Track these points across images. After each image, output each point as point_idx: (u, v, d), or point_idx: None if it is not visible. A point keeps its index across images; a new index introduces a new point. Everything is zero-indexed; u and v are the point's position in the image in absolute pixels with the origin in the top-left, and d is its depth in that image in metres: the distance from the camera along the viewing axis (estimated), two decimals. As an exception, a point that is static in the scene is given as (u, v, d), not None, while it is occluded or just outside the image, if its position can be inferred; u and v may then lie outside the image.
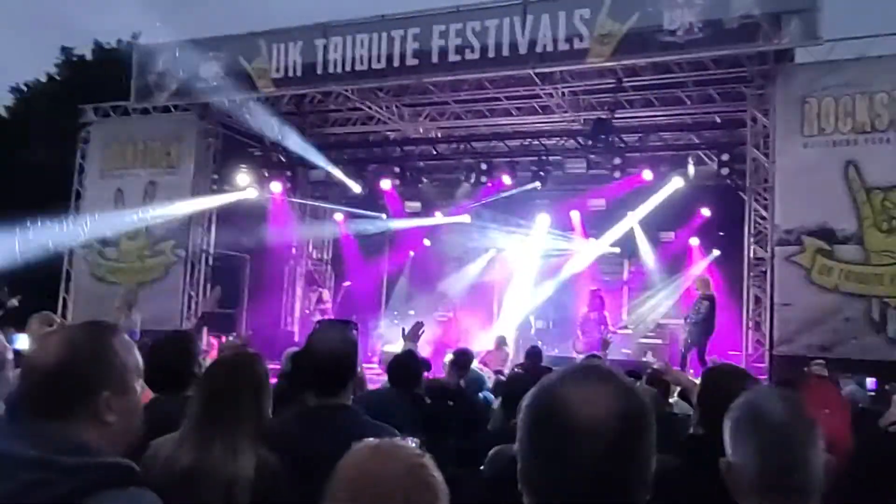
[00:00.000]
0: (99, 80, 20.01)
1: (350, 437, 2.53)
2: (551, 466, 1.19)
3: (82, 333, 1.66)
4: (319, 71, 12.72)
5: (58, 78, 27.61)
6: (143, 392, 1.82)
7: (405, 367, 4.69)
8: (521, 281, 15.43)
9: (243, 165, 14.92)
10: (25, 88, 28.35)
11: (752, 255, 11.27)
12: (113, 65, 20.96)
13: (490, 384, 6.88)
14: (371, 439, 1.67)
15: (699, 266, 14.44)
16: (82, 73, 25.75)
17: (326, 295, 16.25)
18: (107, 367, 1.62)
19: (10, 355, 2.81)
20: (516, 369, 8.70)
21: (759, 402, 1.57)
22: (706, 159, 13.08)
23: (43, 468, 1.44)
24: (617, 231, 14.40)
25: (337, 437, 2.51)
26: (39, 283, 16.19)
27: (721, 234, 13.80)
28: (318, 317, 16.03)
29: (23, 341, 6.09)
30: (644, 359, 13.19)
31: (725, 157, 11.98)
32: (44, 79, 28.12)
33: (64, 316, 14.40)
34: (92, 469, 1.47)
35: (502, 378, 8.58)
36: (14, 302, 10.71)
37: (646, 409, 1.22)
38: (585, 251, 15.18)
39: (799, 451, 1.51)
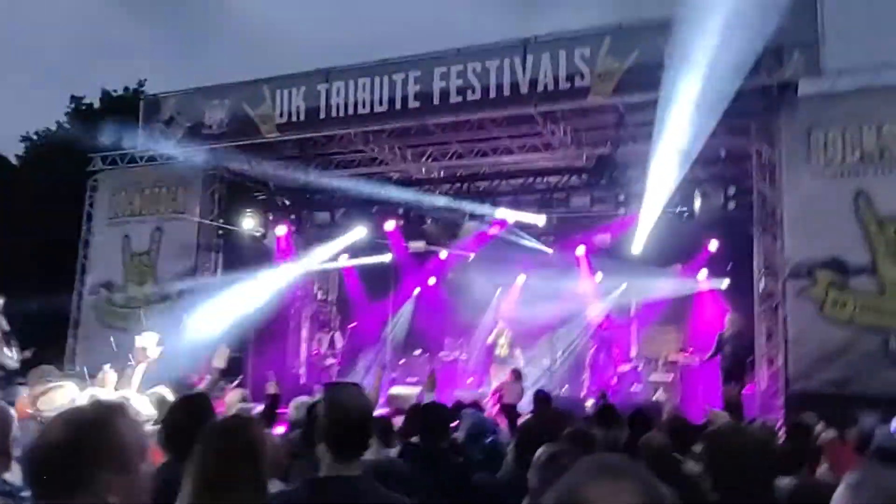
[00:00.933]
0: (106, 129, 20.20)
1: None
2: None
3: (86, 414, 1.68)
4: (322, 115, 12.79)
5: (67, 126, 27.94)
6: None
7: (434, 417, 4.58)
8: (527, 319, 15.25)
9: (248, 210, 14.96)
10: (35, 137, 28.72)
11: (762, 288, 11.10)
12: (119, 112, 21.23)
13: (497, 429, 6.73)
14: None
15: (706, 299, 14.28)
16: (91, 122, 26.03)
17: (339, 337, 16.16)
18: (108, 448, 1.62)
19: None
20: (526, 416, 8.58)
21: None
22: (711, 192, 12.97)
23: None
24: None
25: None
26: (48, 329, 16.23)
27: (729, 267, 13.63)
28: (330, 360, 15.92)
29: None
30: (654, 397, 13.00)
31: (731, 190, 11.87)
32: (53, 127, 28.50)
33: (73, 361, 14.37)
34: None
35: (514, 413, 8.47)
36: (27, 354, 10.68)
37: (670, 500, 1.28)
38: (593, 291, 15.05)
39: None
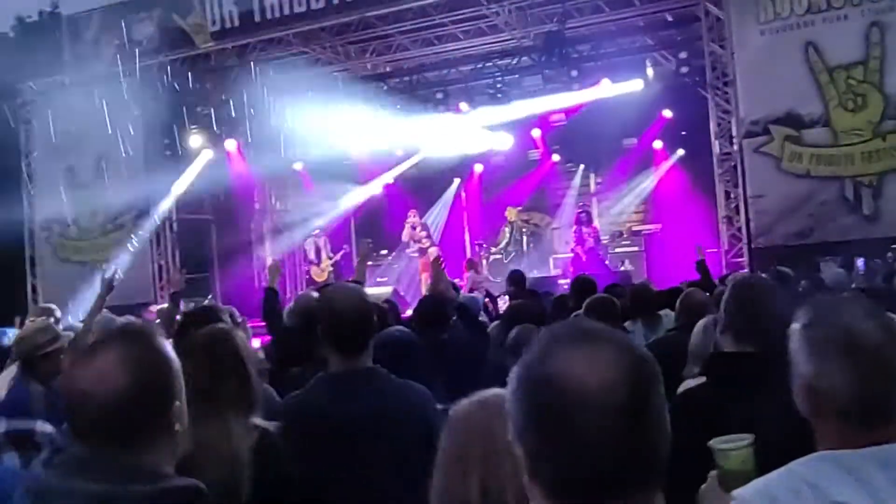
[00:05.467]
0: (27, 57, 19.18)
1: (382, 401, 2.52)
2: (559, 447, 1.05)
3: (138, 348, 1.54)
4: (258, 18, 12.31)
5: (-15, 59, 26.50)
6: None
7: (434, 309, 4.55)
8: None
9: (194, 127, 14.47)
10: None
11: (719, 150, 11.23)
12: (38, 39, 20.11)
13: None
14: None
15: (664, 167, 14.41)
16: (10, 51, 24.67)
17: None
18: (175, 377, 1.56)
19: None
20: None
21: (850, 322, 1.43)
22: (663, 60, 12.93)
23: (111, 501, 1.38)
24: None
25: (368, 403, 2.51)
26: (6, 271, 15.85)
27: (684, 133, 13.71)
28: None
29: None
30: (622, 268, 13.27)
31: (683, 54, 11.80)
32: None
33: (35, 301, 14.11)
34: (163, 495, 1.41)
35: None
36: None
37: (654, 366, 1.09)
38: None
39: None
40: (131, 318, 5.28)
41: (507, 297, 8.31)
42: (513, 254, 14.60)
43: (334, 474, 2.43)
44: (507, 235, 14.56)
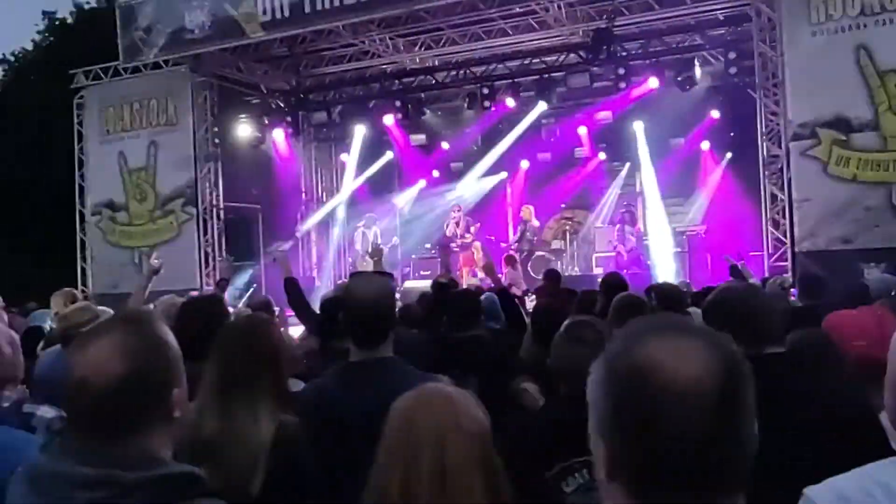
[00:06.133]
0: (85, 43, 19.67)
1: (396, 391, 2.53)
2: (646, 442, 1.01)
3: (137, 334, 1.51)
4: (307, 9, 12.36)
5: (43, 45, 27.18)
6: None
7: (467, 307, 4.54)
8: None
9: (243, 115, 14.73)
10: (13, 58, 27.98)
11: (766, 153, 11.09)
12: (96, 25, 20.59)
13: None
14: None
15: (715, 175, 14.25)
16: (67, 37, 25.30)
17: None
18: (175, 364, 1.53)
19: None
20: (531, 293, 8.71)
21: None
22: (712, 59, 12.80)
23: (106, 486, 1.37)
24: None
25: (382, 393, 2.41)
26: (57, 254, 16.34)
27: (732, 134, 13.57)
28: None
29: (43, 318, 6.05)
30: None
31: (732, 55, 11.68)
32: (30, 47, 27.73)
33: (84, 284, 14.51)
34: (160, 482, 1.40)
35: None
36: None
37: (744, 362, 1.06)
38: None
39: None
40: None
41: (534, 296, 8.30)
42: (524, 252, 14.49)
43: (343, 464, 2.40)
44: (521, 235, 14.52)
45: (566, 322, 2.74)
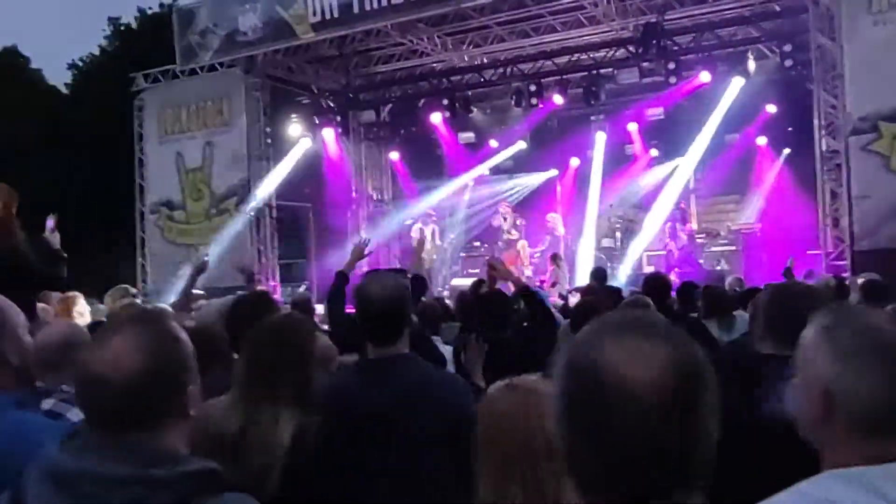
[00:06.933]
0: (148, 47, 20.24)
1: (410, 388, 2.52)
2: (596, 441, 1.01)
3: (152, 332, 1.52)
4: (356, 10, 12.46)
5: (109, 50, 28.05)
6: None
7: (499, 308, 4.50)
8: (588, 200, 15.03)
9: (294, 115, 14.93)
10: (81, 63, 28.96)
11: (825, 147, 10.72)
12: (159, 30, 21.14)
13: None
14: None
15: (772, 172, 13.83)
16: (131, 42, 26.08)
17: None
18: (189, 362, 1.54)
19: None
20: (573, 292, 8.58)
21: (879, 324, 1.33)
22: (767, 52, 12.42)
23: (137, 484, 1.37)
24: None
25: (397, 390, 2.50)
26: (119, 250, 16.82)
27: (790, 129, 13.14)
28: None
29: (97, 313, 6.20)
30: (717, 267, 12.86)
31: (788, 47, 11.31)
32: (96, 52, 28.64)
33: (144, 280, 14.93)
34: (185, 479, 1.40)
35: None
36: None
37: (704, 364, 1.04)
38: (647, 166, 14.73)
39: None
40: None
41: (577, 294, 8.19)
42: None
43: (358, 460, 2.44)
44: (548, 242, 14.32)
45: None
